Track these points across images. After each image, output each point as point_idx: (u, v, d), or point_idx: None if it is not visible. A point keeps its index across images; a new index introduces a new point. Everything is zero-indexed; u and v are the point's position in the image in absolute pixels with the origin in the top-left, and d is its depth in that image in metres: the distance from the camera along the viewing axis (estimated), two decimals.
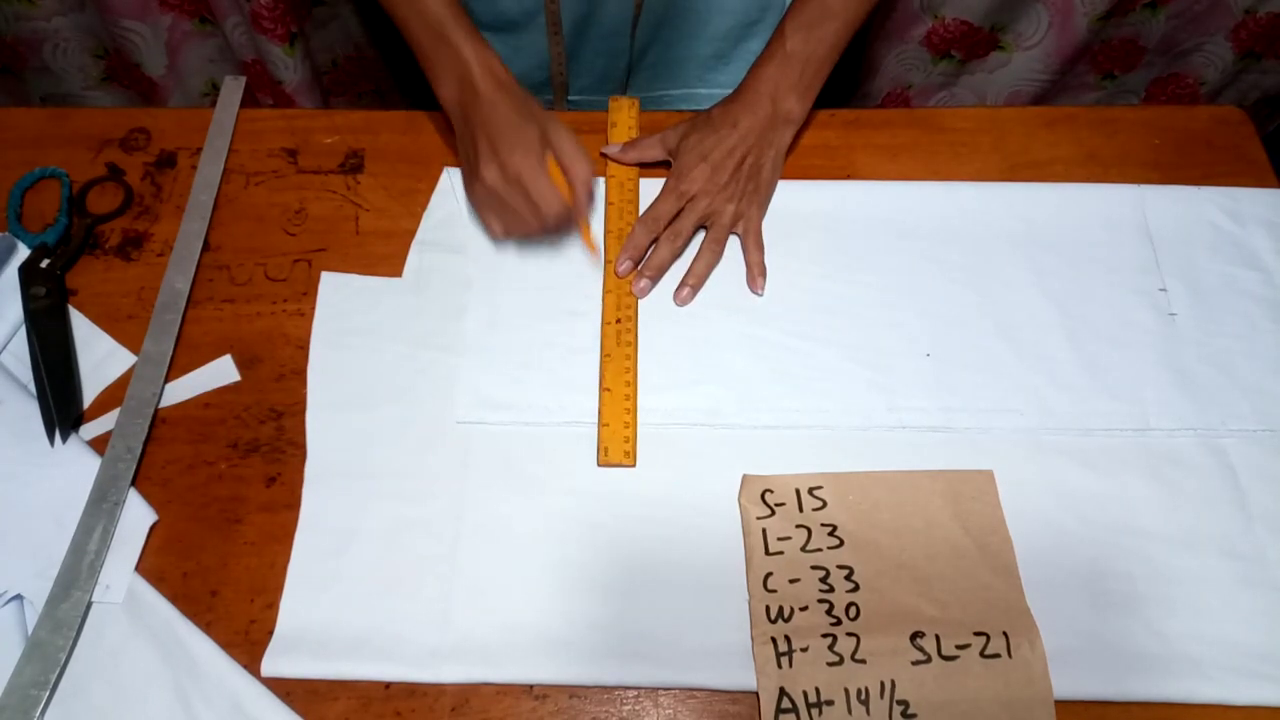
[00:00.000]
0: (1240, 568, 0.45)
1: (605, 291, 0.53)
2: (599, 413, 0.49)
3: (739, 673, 0.42)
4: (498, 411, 0.49)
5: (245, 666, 0.42)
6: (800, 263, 0.54)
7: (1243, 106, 0.72)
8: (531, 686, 0.42)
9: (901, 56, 0.99)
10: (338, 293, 0.53)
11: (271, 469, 0.48)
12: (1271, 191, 0.57)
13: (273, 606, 0.44)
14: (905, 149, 0.59)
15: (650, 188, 0.56)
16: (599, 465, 0.48)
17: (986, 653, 0.42)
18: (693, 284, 0.53)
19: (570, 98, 0.70)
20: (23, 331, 0.52)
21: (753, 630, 0.43)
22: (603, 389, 0.50)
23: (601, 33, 0.64)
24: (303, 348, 0.52)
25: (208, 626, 0.43)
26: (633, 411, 0.49)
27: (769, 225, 0.56)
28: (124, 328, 0.52)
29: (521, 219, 0.49)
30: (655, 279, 0.53)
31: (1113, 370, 0.51)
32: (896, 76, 1.01)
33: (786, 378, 0.50)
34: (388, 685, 0.42)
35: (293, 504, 0.47)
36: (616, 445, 0.48)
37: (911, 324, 0.52)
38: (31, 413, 0.48)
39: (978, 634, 0.43)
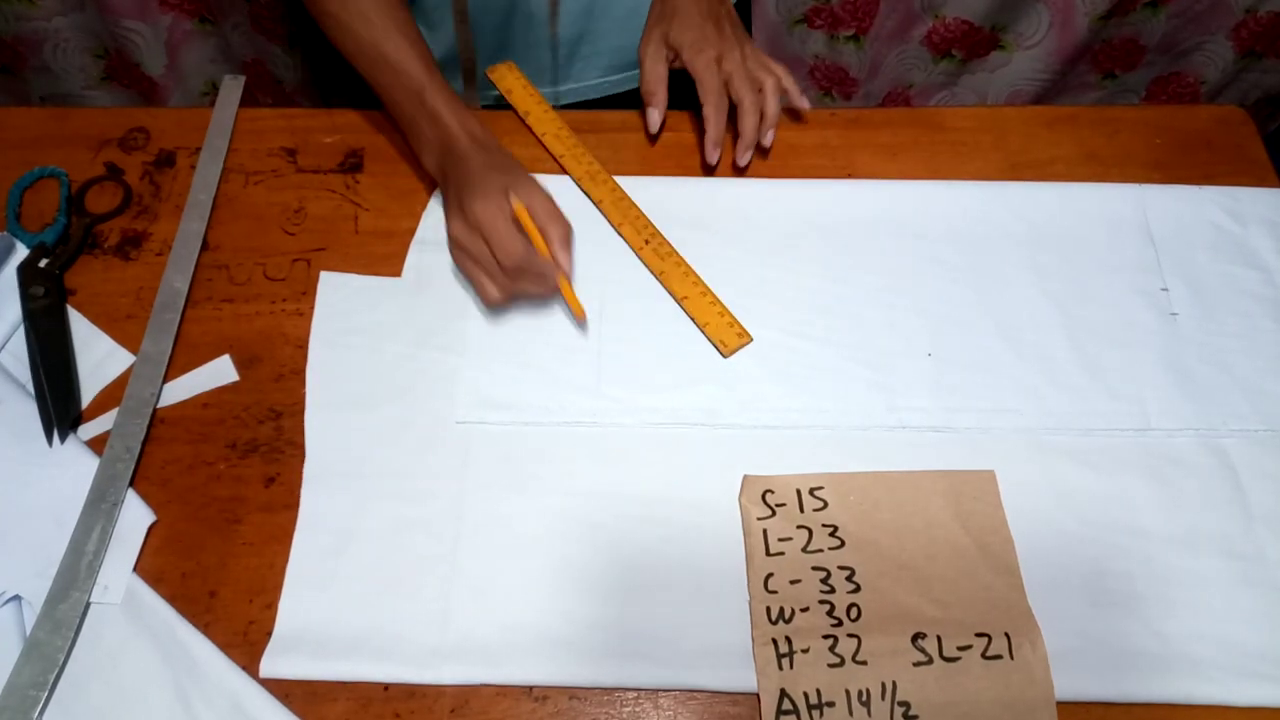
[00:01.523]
0: (1241, 568, 0.45)
1: (619, 225, 0.55)
2: (693, 319, 0.52)
3: (740, 674, 0.42)
4: (498, 411, 0.49)
5: (244, 667, 0.42)
6: (800, 263, 0.54)
7: (1244, 106, 0.72)
8: (531, 687, 0.42)
9: (902, 56, 0.99)
10: (337, 292, 0.53)
11: (270, 469, 0.48)
12: (1273, 191, 0.57)
13: (272, 607, 0.44)
14: (906, 148, 0.59)
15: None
16: (724, 358, 0.51)
17: (988, 654, 0.42)
18: (749, 143, 0.55)
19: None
20: (21, 331, 0.52)
21: (753, 631, 0.43)
22: (681, 300, 0.52)
23: (523, 23, 0.64)
24: (302, 347, 0.51)
25: (206, 627, 0.43)
26: (719, 302, 0.52)
27: (768, 225, 0.56)
28: (123, 327, 0.52)
29: (490, 271, 0.48)
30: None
31: (1113, 370, 0.51)
32: (897, 76, 1.01)
33: (786, 378, 0.50)
34: (387, 686, 0.42)
35: (292, 504, 0.47)
36: (728, 334, 0.51)
37: (912, 324, 0.52)
38: (30, 413, 0.48)
39: (979, 635, 0.42)
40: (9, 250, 0.54)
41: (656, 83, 0.56)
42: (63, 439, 0.48)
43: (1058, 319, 0.52)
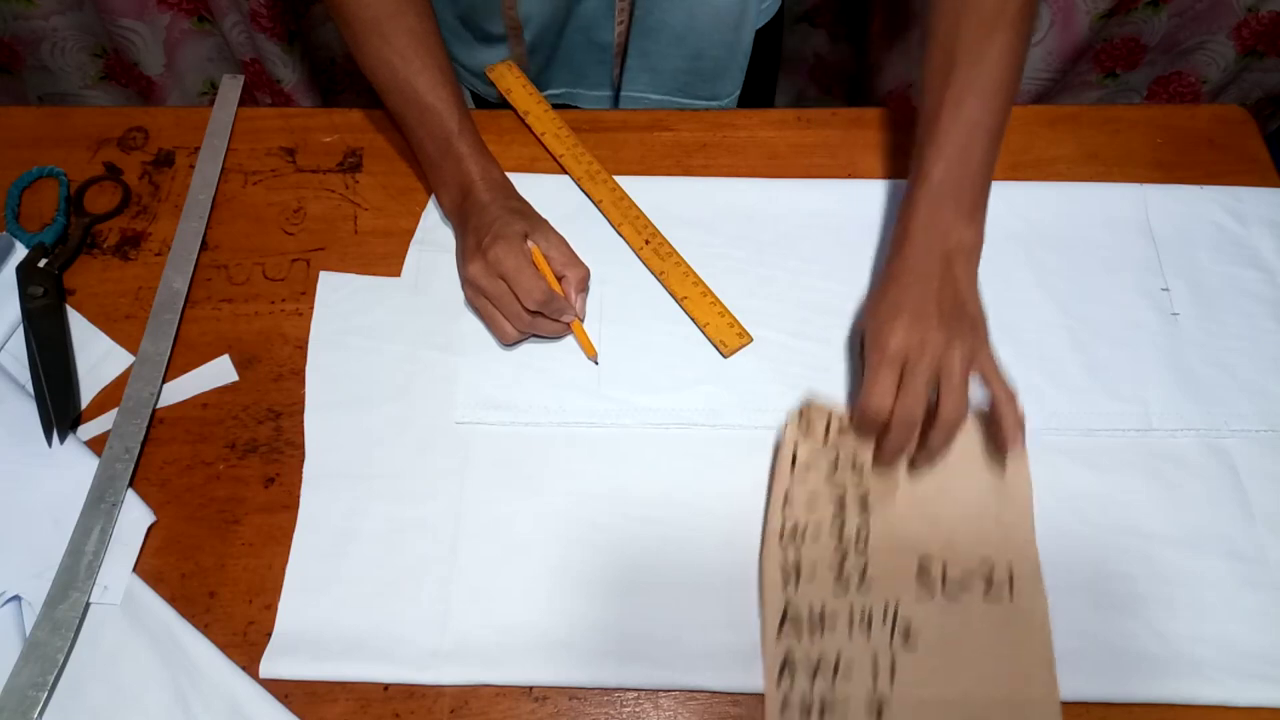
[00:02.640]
0: (1242, 568, 0.45)
1: (619, 225, 0.55)
2: (693, 320, 0.52)
3: (740, 674, 0.42)
4: (497, 411, 0.49)
5: (243, 668, 0.42)
6: (801, 262, 0.54)
7: (1245, 105, 0.72)
8: (531, 688, 0.42)
9: (904, 55, 0.98)
10: (336, 292, 0.53)
11: (270, 469, 0.48)
12: (1274, 191, 0.57)
13: (271, 607, 0.44)
14: (907, 148, 0.59)
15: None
16: (725, 358, 0.51)
17: (989, 594, 0.43)
18: (928, 457, 0.44)
19: (551, 91, 0.69)
20: (20, 331, 0.52)
21: (764, 548, 0.44)
22: (681, 300, 0.52)
23: (579, 25, 0.63)
24: (301, 347, 0.51)
25: (206, 628, 0.43)
26: (719, 303, 0.52)
27: (768, 224, 0.56)
28: (122, 327, 0.52)
29: (508, 311, 0.49)
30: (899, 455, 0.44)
31: (1115, 370, 0.50)
32: (899, 75, 1.01)
33: (786, 378, 0.50)
34: (386, 687, 0.42)
35: (291, 505, 0.47)
36: (728, 334, 0.51)
37: None
38: (29, 413, 0.48)
39: (983, 567, 0.44)
40: (8, 250, 0.54)
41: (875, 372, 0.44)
42: (62, 439, 0.48)
43: (1059, 319, 0.52)
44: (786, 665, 0.41)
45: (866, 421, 0.44)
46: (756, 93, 0.71)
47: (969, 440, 0.46)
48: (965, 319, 0.44)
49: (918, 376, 0.42)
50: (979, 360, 0.43)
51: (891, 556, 0.44)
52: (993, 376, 0.44)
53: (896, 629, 0.42)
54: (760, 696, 0.42)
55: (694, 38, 0.62)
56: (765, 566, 0.43)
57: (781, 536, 0.44)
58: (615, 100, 0.69)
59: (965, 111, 0.45)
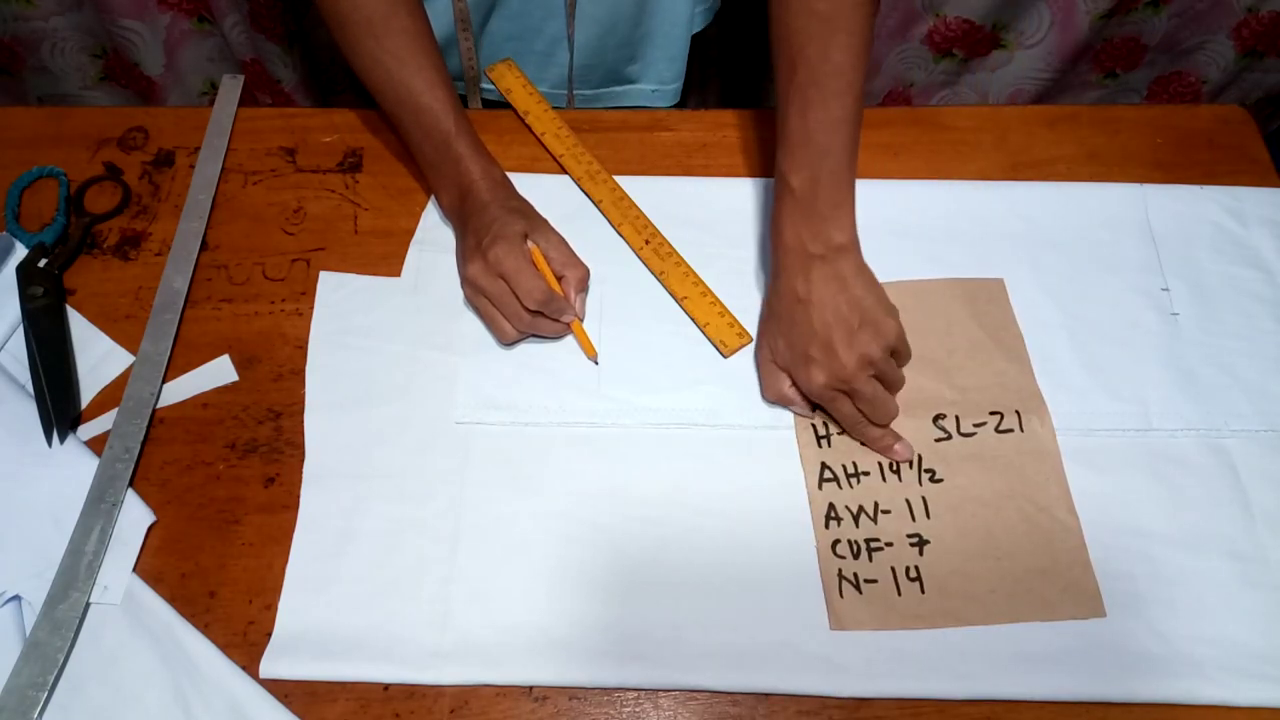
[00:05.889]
0: (1242, 568, 0.45)
1: (619, 225, 0.55)
2: (693, 320, 0.52)
3: (739, 674, 0.42)
4: (497, 411, 0.49)
5: (244, 668, 0.42)
6: None
7: (1245, 105, 0.72)
8: (531, 688, 0.42)
9: (903, 55, 0.98)
10: (336, 292, 0.53)
11: (270, 469, 0.48)
12: (1274, 191, 0.57)
13: (271, 607, 0.44)
14: (907, 148, 0.59)
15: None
16: (725, 358, 0.51)
17: (1001, 428, 0.47)
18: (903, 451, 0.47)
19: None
20: (20, 331, 0.52)
21: (795, 418, 0.48)
22: (681, 300, 0.52)
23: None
24: (301, 347, 0.51)
25: (206, 628, 0.43)
26: (719, 303, 0.52)
27: (768, 224, 0.56)
28: (122, 327, 0.52)
29: (508, 311, 0.49)
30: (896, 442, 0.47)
31: (1115, 370, 0.50)
32: (898, 75, 1.01)
33: None
34: (386, 687, 0.42)
35: (291, 505, 0.47)
36: (729, 334, 0.51)
37: None
38: (29, 413, 0.48)
39: (993, 413, 0.48)
40: (8, 250, 0.54)
41: (780, 393, 0.48)
42: (62, 439, 0.48)
43: (1059, 318, 0.52)
44: (832, 512, 0.45)
45: (867, 433, 0.47)
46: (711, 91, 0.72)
47: (958, 307, 0.51)
48: (866, 317, 0.45)
49: (865, 390, 0.45)
50: (900, 342, 0.46)
51: (910, 416, 0.48)
52: (901, 348, 0.47)
53: (924, 473, 0.46)
54: (760, 696, 0.42)
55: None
56: (798, 433, 0.48)
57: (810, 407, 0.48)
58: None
59: (813, 114, 0.46)
